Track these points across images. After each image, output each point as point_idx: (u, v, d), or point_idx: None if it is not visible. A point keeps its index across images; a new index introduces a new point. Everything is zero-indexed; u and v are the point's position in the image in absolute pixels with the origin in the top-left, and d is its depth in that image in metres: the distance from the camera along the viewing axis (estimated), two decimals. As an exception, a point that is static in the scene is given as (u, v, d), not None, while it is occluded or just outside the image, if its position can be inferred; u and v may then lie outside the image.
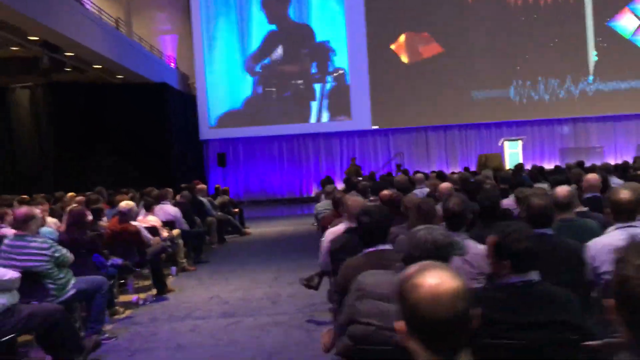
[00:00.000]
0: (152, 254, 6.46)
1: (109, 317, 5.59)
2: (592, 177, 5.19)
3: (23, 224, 4.43)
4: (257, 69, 19.40)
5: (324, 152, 20.10)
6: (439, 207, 3.58)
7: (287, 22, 19.39)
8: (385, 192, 6.28)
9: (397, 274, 1.59)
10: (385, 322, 2.23)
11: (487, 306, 2.03)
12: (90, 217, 5.89)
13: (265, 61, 19.33)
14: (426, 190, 7.69)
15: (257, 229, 12.89)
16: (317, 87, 19.35)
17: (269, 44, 19.33)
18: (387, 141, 20.16)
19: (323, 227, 6.38)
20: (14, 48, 14.14)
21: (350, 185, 9.08)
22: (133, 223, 6.48)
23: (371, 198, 6.99)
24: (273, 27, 19.33)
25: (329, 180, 10.45)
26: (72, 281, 4.71)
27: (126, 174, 15.38)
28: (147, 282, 7.07)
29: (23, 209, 4.51)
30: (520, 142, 17.59)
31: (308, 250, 9.44)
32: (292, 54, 19.27)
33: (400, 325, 1.34)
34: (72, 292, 4.67)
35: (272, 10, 19.32)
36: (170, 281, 7.40)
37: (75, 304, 4.81)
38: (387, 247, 2.97)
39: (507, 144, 17.54)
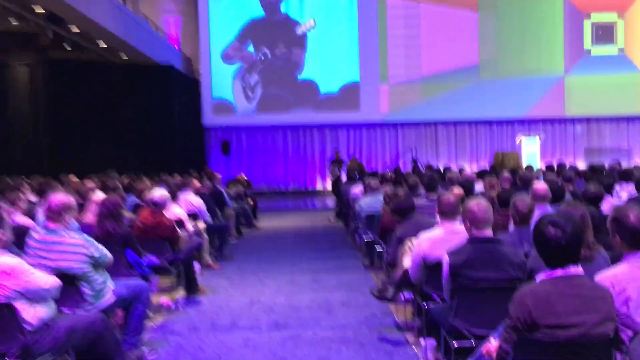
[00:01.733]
0: (186, 250, 5.69)
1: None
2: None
3: (58, 215, 3.64)
4: (264, 55, 18.54)
5: (329, 144, 19.33)
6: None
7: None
8: (457, 191, 5.59)
9: None
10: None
11: None
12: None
13: (274, 48, 18.48)
14: (480, 189, 7.01)
15: (269, 223, 12.14)
16: (327, 76, 18.53)
17: (279, 30, 18.48)
18: (396, 135, 19.44)
19: (383, 229, 5.65)
20: (14, 23, 13.20)
21: (387, 180, 8.36)
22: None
23: (429, 196, 6.28)
24: (287, 12, 18.48)
25: (373, 174, 9.70)
26: (110, 286, 3.94)
27: (126, 159, 14.54)
28: (171, 280, 6.31)
29: (60, 197, 3.71)
30: (538, 140, 16.97)
31: (337, 249, 8.77)
32: (300, 41, 18.44)
33: None
34: (110, 299, 3.90)
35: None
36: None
37: (112, 312, 4.03)
38: (579, 270, 2.24)
39: (524, 141, 16.91)
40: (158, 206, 5.51)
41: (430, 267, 3.76)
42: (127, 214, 6.32)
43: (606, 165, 12.23)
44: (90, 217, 5.19)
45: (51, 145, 14.19)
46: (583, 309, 2.14)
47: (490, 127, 19.39)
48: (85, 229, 4.75)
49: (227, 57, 18.54)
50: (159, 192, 5.62)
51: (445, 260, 3.19)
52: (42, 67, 14.43)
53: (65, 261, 3.61)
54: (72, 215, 3.82)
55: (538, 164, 15.48)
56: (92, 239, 3.79)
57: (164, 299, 5.57)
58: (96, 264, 3.77)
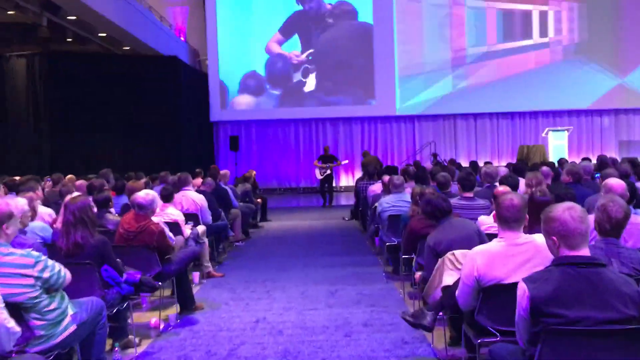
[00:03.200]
0: (179, 261, 4.82)
1: (119, 353, 3.97)
2: None
3: (-6, 225, 2.78)
4: (277, 48, 17.61)
5: (342, 138, 18.40)
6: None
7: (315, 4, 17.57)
8: (502, 188, 4.67)
9: None
10: None
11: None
12: (95, 210, 4.25)
13: (287, 41, 17.54)
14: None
15: (279, 222, 11.29)
16: (340, 68, 17.57)
17: (292, 24, 17.53)
18: (412, 129, 18.47)
19: (410, 233, 4.74)
20: (11, 12, 12.45)
21: (411, 176, 7.43)
22: (154, 219, 4.83)
23: (464, 195, 5.36)
24: (299, 7, 17.53)
25: (393, 169, 8.78)
26: (70, 311, 3.08)
27: (132, 156, 13.78)
28: (165, 293, 5.46)
29: (-5, 203, 2.84)
30: (566, 133, 15.92)
31: (354, 253, 7.87)
32: (315, 34, 17.48)
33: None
34: (71, 328, 3.03)
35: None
36: (194, 291, 5.76)
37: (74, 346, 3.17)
38: None
39: (551, 135, 15.86)
40: (143, 209, 4.63)
41: (487, 291, 2.86)
42: (113, 217, 5.47)
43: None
44: (60, 221, 4.34)
45: (51, 141, 13.41)
46: None
47: (512, 119, 18.39)
48: (56, 237, 3.92)
49: (271, 52, 17.59)
50: (144, 193, 4.73)
51: (522, 290, 2.25)
52: (41, 59, 13.61)
53: (5, 286, 2.75)
54: (15, 226, 2.95)
55: (566, 158, 14.46)
56: (40, 255, 2.92)
57: (153, 320, 4.70)
58: (48, 286, 2.91)
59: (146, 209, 4.65)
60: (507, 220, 2.88)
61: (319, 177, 13.90)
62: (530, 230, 3.16)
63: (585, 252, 2.24)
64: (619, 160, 11.07)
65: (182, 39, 18.76)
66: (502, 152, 18.31)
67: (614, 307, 2.16)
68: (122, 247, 4.43)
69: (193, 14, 19.22)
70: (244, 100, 17.75)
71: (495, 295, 2.85)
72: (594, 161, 12.18)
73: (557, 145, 15.74)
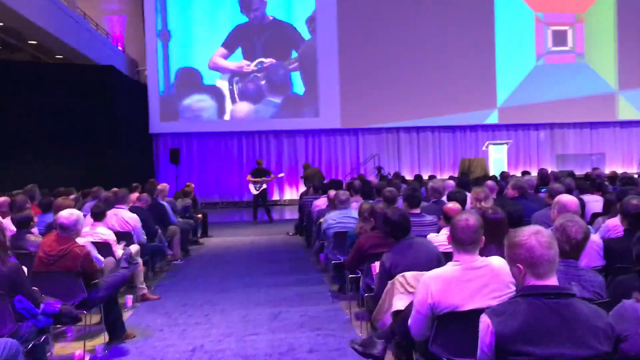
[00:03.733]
0: (107, 286, 4.40)
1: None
2: None
3: None
4: (222, 62, 17.23)
5: (286, 150, 18.17)
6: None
7: (259, 14, 17.30)
8: (452, 206, 4.50)
9: None
10: None
11: None
12: (7, 232, 3.81)
13: (231, 54, 17.19)
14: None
15: (220, 238, 10.89)
16: (282, 82, 17.36)
17: (237, 36, 17.21)
18: (357, 141, 18.43)
19: (358, 251, 4.51)
20: None
21: (359, 190, 7.23)
22: (79, 240, 4.41)
23: (411, 212, 5.18)
24: (244, 19, 17.21)
25: (338, 184, 8.54)
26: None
27: (64, 170, 13.00)
28: (94, 320, 5.03)
29: None
30: (506, 147, 16.23)
31: (299, 271, 7.59)
32: (257, 46, 17.22)
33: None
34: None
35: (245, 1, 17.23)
36: (126, 316, 5.35)
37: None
38: None
39: (491, 148, 16.13)
40: (66, 230, 4.20)
41: (443, 319, 2.64)
42: (35, 238, 5.00)
43: (584, 172, 11.50)
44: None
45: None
46: None
47: (454, 133, 18.64)
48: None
49: (214, 67, 17.12)
50: (67, 212, 4.30)
51: (485, 324, 2.02)
52: (-36, 68, 12.75)
53: None
54: None
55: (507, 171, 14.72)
56: None
57: (77, 352, 4.27)
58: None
59: (69, 230, 4.22)
60: (463, 242, 2.68)
61: (254, 192, 13.11)
62: (484, 250, 2.98)
63: (553, 280, 2.04)
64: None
65: (119, 48, 18.11)
66: (444, 165, 18.51)
67: (587, 344, 1.96)
68: (42, 272, 4.00)
69: (131, 24, 18.63)
70: (184, 112, 17.24)
71: (451, 323, 2.63)
72: (534, 174, 12.40)
73: (497, 158, 16.02)
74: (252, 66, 17.21)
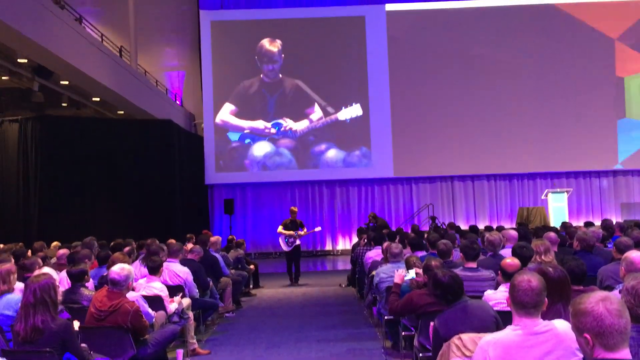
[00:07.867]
0: (156, 343, 4.38)
1: None
2: None
3: None
4: (271, 114, 17.62)
5: (339, 200, 18.10)
6: None
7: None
8: (510, 261, 4.29)
9: None
10: None
11: None
12: (59, 288, 3.85)
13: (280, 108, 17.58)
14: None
15: (272, 289, 10.81)
16: (335, 131, 17.51)
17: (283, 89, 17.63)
18: (410, 190, 18.19)
19: (409, 303, 4.33)
20: (4, 77, 12.37)
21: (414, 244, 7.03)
22: (131, 294, 4.43)
23: (467, 265, 4.98)
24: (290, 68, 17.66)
25: (393, 235, 8.37)
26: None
27: (123, 221, 13.34)
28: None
29: None
30: (566, 195, 15.67)
31: (351, 325, 7.40)
32: (308, 98, 17.54)
33: None
34: None
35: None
36: (177, 372, 5.30)
37: None
38: None
39: (551, 197, 15.60)
40: (117, 285, 4.23)
41: (502, 389, 2.45)
42: (88, 292, 5.05)
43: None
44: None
45: (41, 207, 13.01)
46: None
47: (510, 181, 18.17)
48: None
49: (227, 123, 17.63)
50: (119, 267, 4.33)
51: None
52: (34, 123, 13.42)
53: None
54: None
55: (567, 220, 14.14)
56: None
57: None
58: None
59: (120, 286, 4.25)
60: (525, 305, 2.50)
61: (286, 248, 11.38)
62: (547, 312, 2.78)
63: (625, 353, 1.87)
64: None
65: (177, 102, 18.76)
66: (501, 215, 17.99)
67: None
68: (92, 328, 4.02)
69: (189, 78, 19.32)
70: (239, 164, 17.56)
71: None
72: (597, 223, 11.83)
73: (557, 207, 15.48)
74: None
